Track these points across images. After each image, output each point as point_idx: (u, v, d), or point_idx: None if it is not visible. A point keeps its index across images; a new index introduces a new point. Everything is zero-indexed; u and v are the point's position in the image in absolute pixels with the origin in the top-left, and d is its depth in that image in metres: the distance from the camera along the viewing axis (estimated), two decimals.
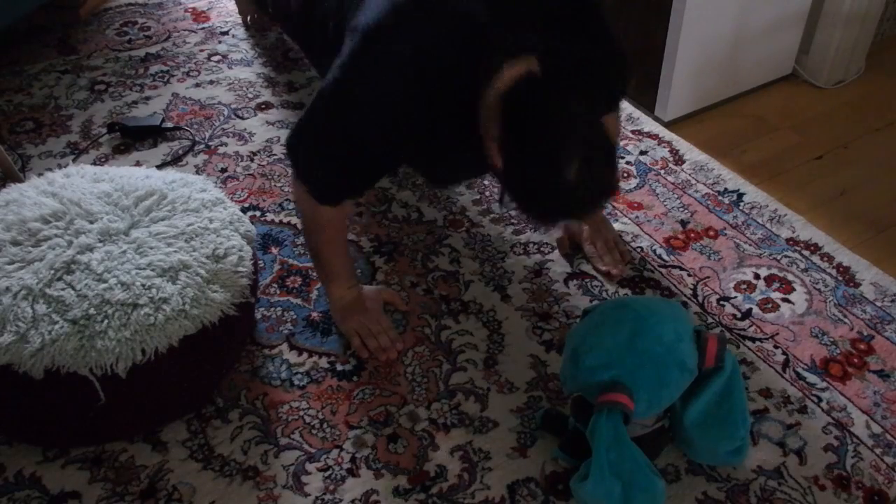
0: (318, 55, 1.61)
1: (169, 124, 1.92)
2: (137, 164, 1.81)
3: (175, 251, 1.25)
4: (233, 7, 2.40)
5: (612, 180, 1.15)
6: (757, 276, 1.54)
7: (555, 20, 1.20)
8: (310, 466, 1.22)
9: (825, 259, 1.57)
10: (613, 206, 1.70)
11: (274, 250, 1.59)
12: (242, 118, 1.96)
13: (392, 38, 1.18)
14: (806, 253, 1.59)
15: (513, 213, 1.44)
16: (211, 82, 2.08)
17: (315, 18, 1.50)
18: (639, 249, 1.60)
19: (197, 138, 1.89)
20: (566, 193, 1.08)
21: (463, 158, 1.34)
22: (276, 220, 1.66)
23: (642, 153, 1.86)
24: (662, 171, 1.80)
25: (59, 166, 1.80)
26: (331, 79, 1.24)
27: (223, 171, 1.79)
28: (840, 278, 1.53)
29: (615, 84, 1.35)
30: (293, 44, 2.22)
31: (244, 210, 1.67)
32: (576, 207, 1.13)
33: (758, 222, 1.66)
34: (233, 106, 2.00)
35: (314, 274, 1.53)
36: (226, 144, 1.87)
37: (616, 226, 1.64)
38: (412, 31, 1.17)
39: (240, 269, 1.28)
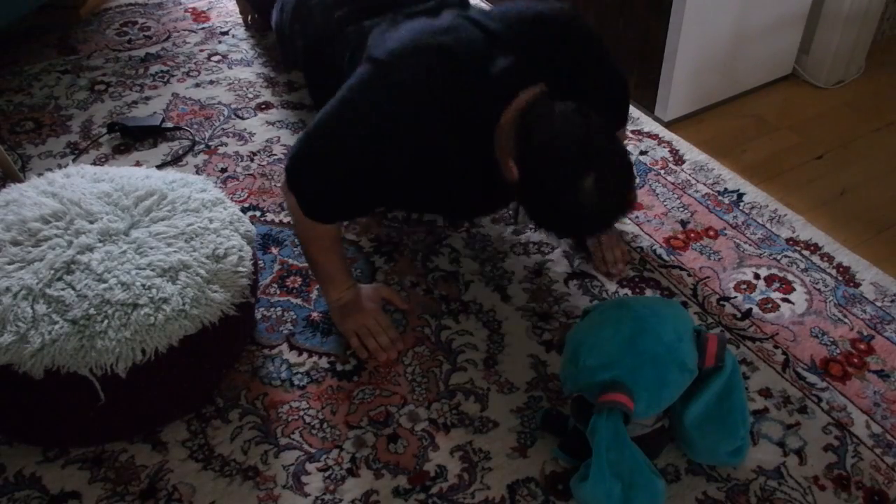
0: (319, 88, 1.62)
1: (169, 124, 1.92)
2: (137, 164, 1.81)
3: (175, 251, 1.25)
4: (233, 7, 2.40)
5: (628, 193, 1.17)
6: (757, 276, 1.54)
7: (553, 55, 1.28)
8: (310, 466, 1.22)
9: (825, 259, 1.57)
10: None
11: (274, 250, 1.59)
12: (242, 118, 1.96)
13: (405, 66, 1.22)
14: (806, 253, 1.59)
15: (530, 228, 1.42)
16: (211, 82, 2.08)
17: (321, 62, 1.55)
18: (639, 249, 1.60)
19: (197, 138, 1.89)
20: (583, 206, 1.11)
21: (475, 190, 1.37)
22: (276, 220, 1.66)
23: (642, 153, 1.86)
24: (662, 171, 1.80)
25: (59, 166, 1.80)
26: (338, 97, 1.26)
27: (223, 171, 1.80)
28: (840, 278, 1.53)
29: (619, 104, 1.45)
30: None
31: (244, 210, 1.67)
32: (592, 221, 1.14)
33: (758, 222, 1.66)
34: (233, 106, 2.00)
35: (313, 275, 1.53)
36: (226, 144, 1.87)
37: (616, 226, 1.64)
38: (424, 63, 1.22)
39: (240, 269, 1.28)
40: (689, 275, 1.55)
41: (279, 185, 1.75)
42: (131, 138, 1.89)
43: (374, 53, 1.27)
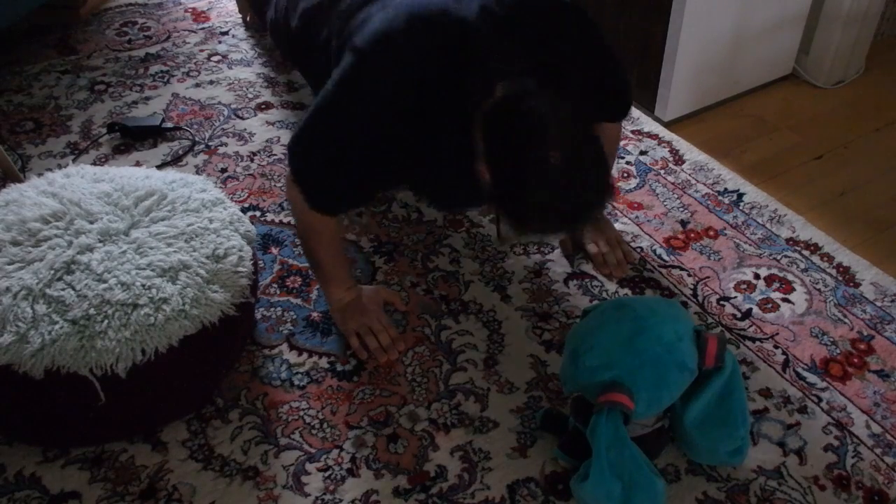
0: (316, 75, 1.60)
1: (169, 124, 1.92)
2: (137, 164, 1.81)
3: (175, 251, 1.25)
4: (233, 7, 2.40)
5: (601, 177, 1.10)
6: (757, 276, 1.54)
7: (551, 39, 1.23)
8: (310, 466, 1.22)
9: (825, 259, 1.57)
10: (613, 206, 1.70)
11: (274, 250, 1.59)
12: (242, 118, 1.96)
13: (387, 54, 1.20)
14: (806, 253, 1.59)
15: (513, 246, 1.37)
16: (211, 82, 2.08)
17: (316, 41, 1.50)
18: (639, 249, 1.60)
19: (197, 138, 1.89)
20: (554, 189, 1.05)
21: (463, 181, 1.31)
22: (276, 220, 1.66)
23: (642, 153, 1.86)
24: (662, 171, 1.80)
25: (59, 166, 1.80)
26: (329, 89, 1.25)
27: (223, 171, 1.79)
28: (840, 278, 1.53)
29: (615, 95, 1.38)
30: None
31: (244, 210, 1.67)
32: (566, 207, 1.07)
33: (758, 222, 1.66)
34: (233, 106, 2.00)
35: (314, 274, 1.53)
36: (226, 144, 1.87)
37: (616, 226, 1.64)
38: (406, 50, 1.19)
39: (240, 269, 1.28)
40: (689, 275, 1.55)
41: (283, 182, 1.75)
42: (131, 138, 1.89)
43: (357, 42, 1.24)
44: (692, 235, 1.63)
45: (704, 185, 1.76)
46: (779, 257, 1.58)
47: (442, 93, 1.17)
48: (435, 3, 1.21)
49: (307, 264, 1.55)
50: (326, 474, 1.21)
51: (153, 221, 1.30)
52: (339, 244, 1.42)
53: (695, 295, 1.50)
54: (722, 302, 1.49)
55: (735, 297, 1.50)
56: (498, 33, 1.19)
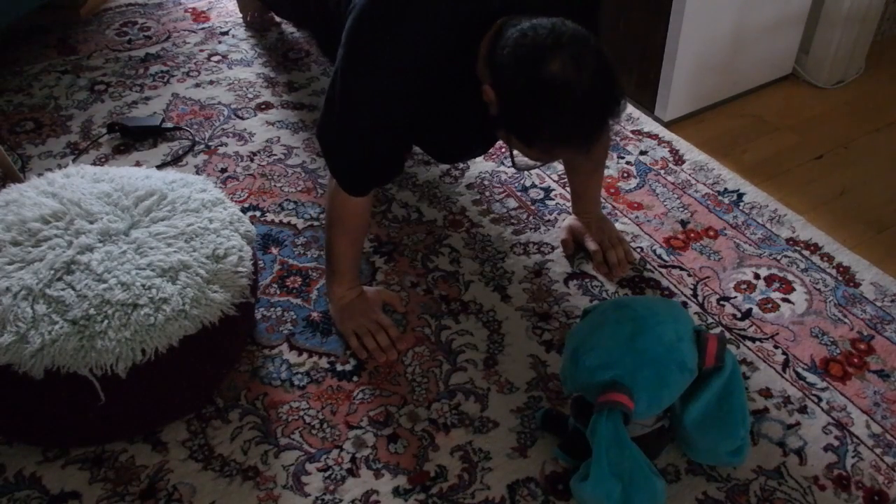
0: (329, 40, 1.60)
1: (169, 124, 1.92)
2: (137, 164, 1.81)
3: (175, 251, 1.25)
4: (233, 7, 2.40)
5: (613, 72, 1.09)
6: (757, 276, 1.54)
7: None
8: (310, 466, 1.22)
9: (825, 259, 1.57)
10: (613, 206, 1.70)
11: (274, 250, 1.59)
12: (242, 118, 1.96)
13: (393, 12, 1.20)
14: (806, 253, 1.59)
15: (526, 164, 1.30)
16: (211, 82, 2.08)
17: (329, 6, 1.51)
18: (639, 249, 1.60)
19: (197, 138, 1.89)
20: (559, 92, 1.05)
21: (471, 127, 1.36)
22: (276, 220, 1.66)
23: (642, 153, 1.86)
24: (662, 171, 1.80)
25: (59, 166, 1.80)
26: (339, 58, 1.26)
27: (223, 171, 1.79)
28: (840, 278, 1.53)
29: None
30: (293, 43, 2.22)
31: (244, 210, 1.67)
32: (575, 111, 1.07)
33: (758, 222, 1.66)
34: (233, 106, 2.00)
35: (314, 274, 1.53)
36: (226, 144, 1.87)
37: (616, 226, 1.64)
38: (412, 8, 1.19)
39: (240, 269, 1.28)
40: (689, 275, 1.55)
41: (283, 182, 1.75)
42: (131, 138, 1.89)
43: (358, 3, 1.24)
44: (692, 235, 1.63)
45: (704, 185, 1.77)
46: (779, 257, 1.58)
47: (448, 43, 1.20)
48: None
49: (308, 264, 1.55)
50: (326, 474, 1.21)
51: (153, 221, 1.30)
52: (360, 240, 1.43)
53: (695, 295, 1.50)
54: (722, 302, 1.49)
55: (735, 297, 1.50)
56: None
